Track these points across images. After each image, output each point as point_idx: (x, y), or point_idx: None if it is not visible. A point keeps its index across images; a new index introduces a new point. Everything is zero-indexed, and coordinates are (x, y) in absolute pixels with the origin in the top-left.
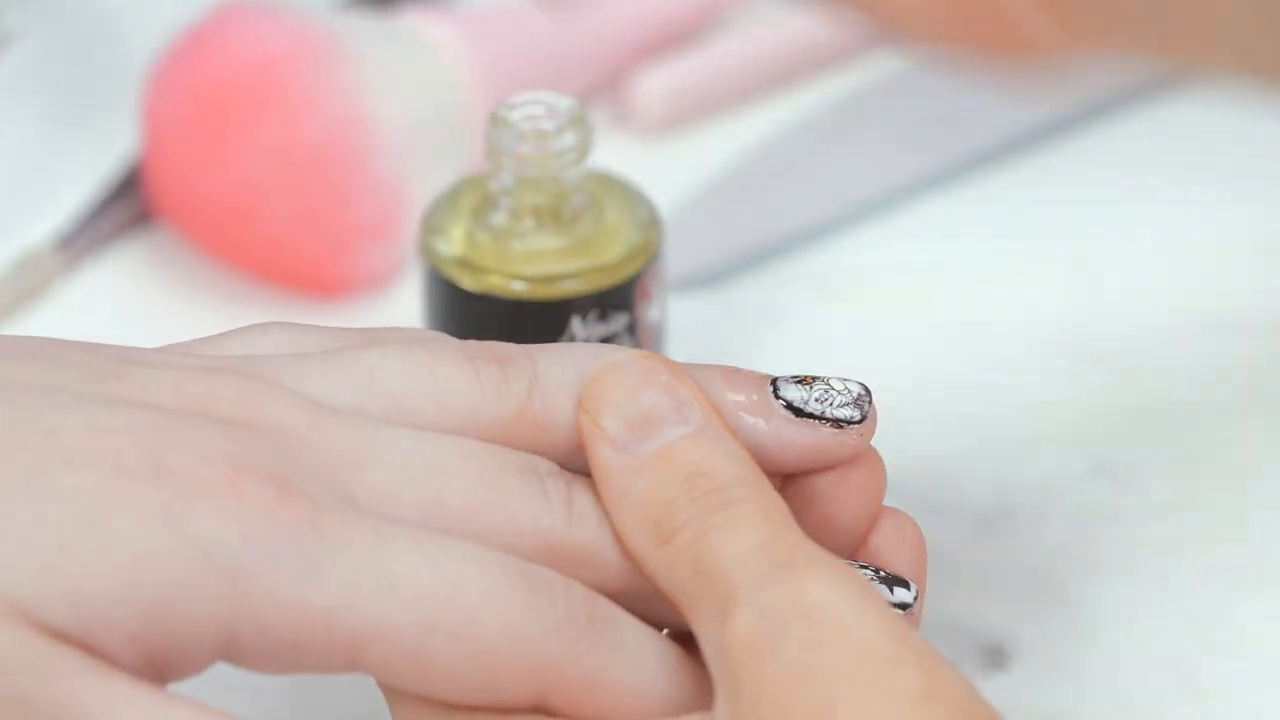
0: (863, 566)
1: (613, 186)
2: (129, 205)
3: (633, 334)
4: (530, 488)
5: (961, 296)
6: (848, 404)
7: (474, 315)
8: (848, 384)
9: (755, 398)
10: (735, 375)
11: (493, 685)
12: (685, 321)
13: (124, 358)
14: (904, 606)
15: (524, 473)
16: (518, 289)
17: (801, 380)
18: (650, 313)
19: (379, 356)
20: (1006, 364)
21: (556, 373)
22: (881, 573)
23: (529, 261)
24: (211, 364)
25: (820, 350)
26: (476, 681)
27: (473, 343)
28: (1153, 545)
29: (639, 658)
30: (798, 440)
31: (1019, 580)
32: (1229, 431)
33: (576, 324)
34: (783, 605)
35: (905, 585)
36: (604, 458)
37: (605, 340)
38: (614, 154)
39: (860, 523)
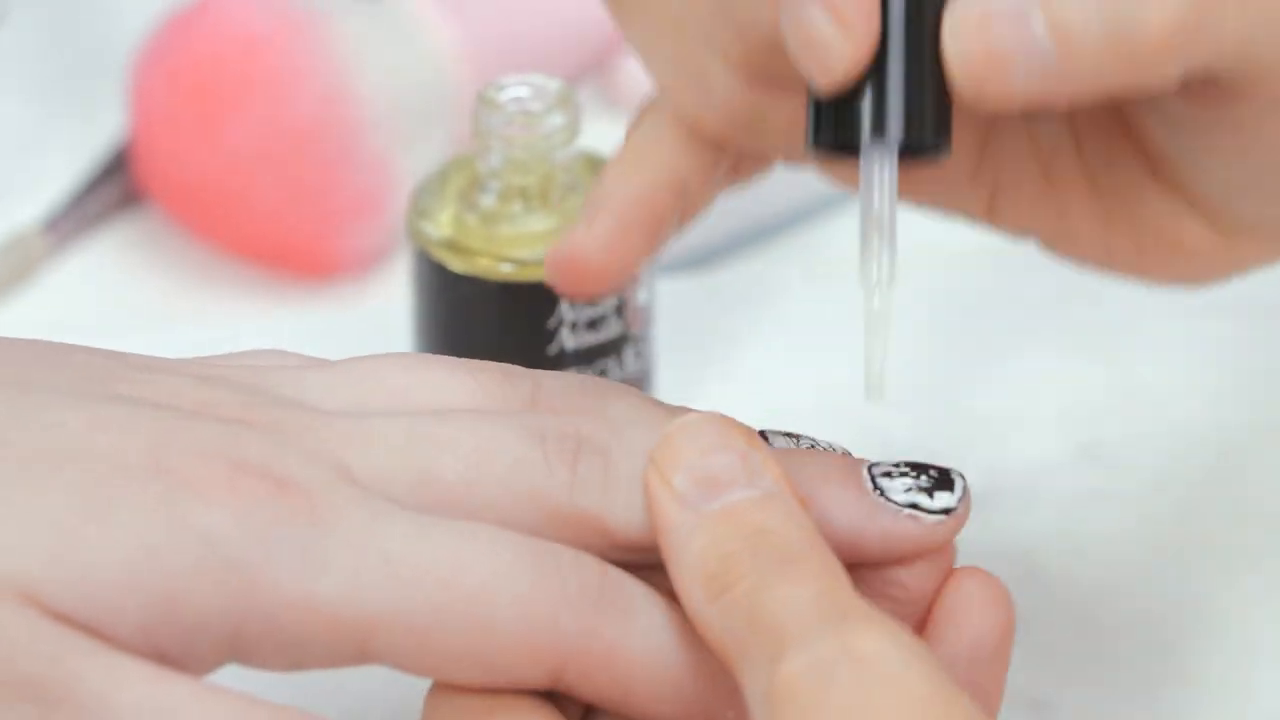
0: (902, 474)
1: (601, 168)
2: (117, 186)
3: (621, 316)
4: (530, 453)
5: (948, 278)
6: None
7: (462, 297)
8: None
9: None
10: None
11: (507, 665)
12: (673, 303)
13: (125, 361)
14: (947, 511)
15: (524, 437)
16: (506, 271)
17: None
18: (638, 294)
19: (375, 362)
20: (992, 345)
21: (558, 385)
22: (923, 478)
23: (517, 243)
24: (210, 372)
25: (808, 332)
26: (490, 663)
27: (475, 362)
28: (1139, 528)
29: (653, 626)
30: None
31: (1005, 563)
32: (1216, 413)
33: (564, 306)
34: (833, 654)
35: (949, 487)
36: (668, 514)
37: (592, 322)
38: (602, 136)
39: (922, 597)
